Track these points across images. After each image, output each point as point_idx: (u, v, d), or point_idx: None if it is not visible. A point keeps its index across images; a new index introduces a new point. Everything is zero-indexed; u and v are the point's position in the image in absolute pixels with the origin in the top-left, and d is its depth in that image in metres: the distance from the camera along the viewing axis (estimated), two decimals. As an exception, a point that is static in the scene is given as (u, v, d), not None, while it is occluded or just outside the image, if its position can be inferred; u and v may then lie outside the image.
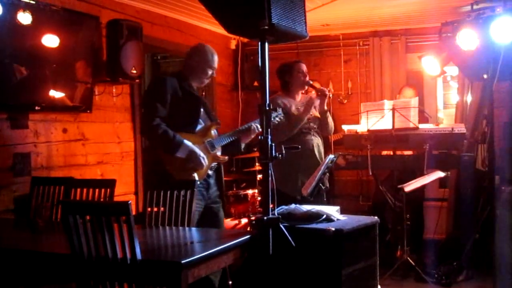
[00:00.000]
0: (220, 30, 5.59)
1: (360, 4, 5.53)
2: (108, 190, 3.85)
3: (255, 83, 6.79)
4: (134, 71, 4.70)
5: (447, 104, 6.66)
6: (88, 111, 4.61)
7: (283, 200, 3.52)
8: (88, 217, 2.53)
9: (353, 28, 6.68)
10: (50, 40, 4.17)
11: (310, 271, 3.09)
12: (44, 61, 4.18)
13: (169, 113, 3.68)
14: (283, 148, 2.67)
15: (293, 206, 3.44)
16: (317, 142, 4.55)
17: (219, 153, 3.88)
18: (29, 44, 4.05)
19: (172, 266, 2.46)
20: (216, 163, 3.87)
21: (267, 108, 2.58)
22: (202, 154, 3.68)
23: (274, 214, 2.58)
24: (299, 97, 4.62)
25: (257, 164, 5.86)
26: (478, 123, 5.65)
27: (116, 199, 3.88)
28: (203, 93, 4.11)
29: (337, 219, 3.33)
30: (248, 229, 5.12)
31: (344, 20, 6.26)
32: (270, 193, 2.57)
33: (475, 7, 5.07)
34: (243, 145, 4.01)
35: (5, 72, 3.89)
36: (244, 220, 5.44)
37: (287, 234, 2.60)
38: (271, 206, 2.60)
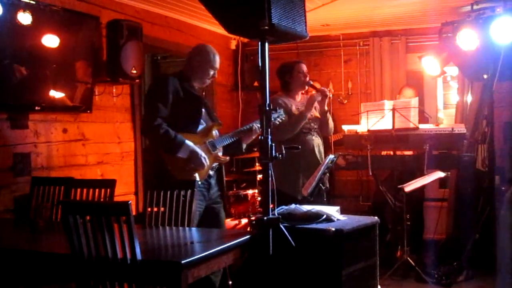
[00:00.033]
0: (220, 30, 5.60)
1: (360, 4, 5.53)
2: (108, 190, 3.85)
3: (255, 83, 6.79)
4: (134, 71, 4.70)
5: (447, 104, 6.66)
6: (88, 111, 4.61)
7: (284, 200, 3.52)
8: (88, 217, 2.53)
9: (353, 28, 6.68)
10: (50, 40, 4.17)
11: (310, 271, 3.09)
12: (44, 61, 4.18)
13: (170, 113, 3.68)
14: (283, 148, 2.67)
15: (293, 206, 3.44)
16: (317, 142, 4.55)
17: (220, 154, 3.88)
18: (29, 44, 4.04)
19: (172, 266, 2.46)
20: (217, 164, 3.87)
21: (267, 108, 2.58)
22: (203, 154, 3.68)
23: (274, 214, 2.59)
24: (299, 97, 4.62)
25: (257, 164, 5.86)
26: (478, 123, 5.65)
27: (116, 199, 3.88)
28: (203, 93, 4.11)
29: (337, 219, 3.33)
30: (248, 229, 5.12)
31: (344, 20, 6.26)
32: (270, 193, 2.57)
33: (475, 7, 5.07)
34: (244, 146, 4.00)
35: (5, 72, 3.89)
36: (244, 220, 5.44)
37: (287, 234, 2.60)
38: (271, 206, 2.60)
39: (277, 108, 3.98)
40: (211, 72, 3.90)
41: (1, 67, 3.85)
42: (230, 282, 3.89)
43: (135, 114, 5.24)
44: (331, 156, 4.06)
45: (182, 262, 2.44)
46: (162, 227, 3.47)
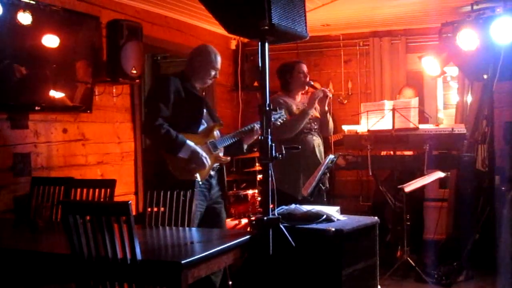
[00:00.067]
0: (220, 30, 5.59)
1: (360, 4, 5.53)
2: (108, 190, 3.85)
3: (255, 83, 6.79)
4: (134, 71, 4.70)
5: (447, 104, 6.66)
6: (88, 111, 4.61)
7: (284, 200, 3.52)
8: (88, 217, 2.53)
9: (353, 28, 6.68)
10: (50, 40, 4.17)
11: (310, 271, 3.09)
12: (44, 61, 4.18)
13: (172, 114, 3.68)
14: (283, 148, 2.67)
15: (293, 206, 3.44)
16: (317, 142, 4.55)
17: (221, 154, 3.87)
18: (29, 44, 4.04)
19: (172, 266, 2.46)
20: (218, 164, 3.87)
21: (267, 108, 2.58)
22: (204, 154, 3.68)
23: (274, 214, 2.58)
24: (299, 97, 4.62)
25: (257, 164, 5.86)
26: (478, 124, 5.65)
27: (116, 199, 3.88)
28: (203, 93, 4.12)
29: (337, 219, 3.33)
30: (248, 229, 5.12)
31: (344, 20, 6.26)
32: (270, 193, 2.57)
33: (475, 7, 5.07)
34: (245, 146, 4.00)
35: (5, 72, 3.89)
36: (244, 220, 5.44)
37: (287, 234, 2.60)
38: (271, 206, 2.60)
39: (277, 108, 3.98)
40: (213, 73, 3.90)
41: (1, 67, 3.85)
42: (230, 282, 3.88)
43: (135, 114, 5.24)
44: (331, 156, 4.06)
45: (182, 262, 2.44)
46: (162, 227, 3.47)
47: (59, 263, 2.71)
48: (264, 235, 2.51)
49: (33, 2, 3.98)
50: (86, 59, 4.56)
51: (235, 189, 6.05)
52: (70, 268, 2.58)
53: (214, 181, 3.87)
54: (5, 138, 3.99)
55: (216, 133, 3.90)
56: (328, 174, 4.27)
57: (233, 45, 6.94)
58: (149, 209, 3.58)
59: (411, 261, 4.81)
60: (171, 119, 3.67)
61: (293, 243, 2.60)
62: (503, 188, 4.89)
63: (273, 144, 2.57)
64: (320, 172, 3.94)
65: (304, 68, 4.54)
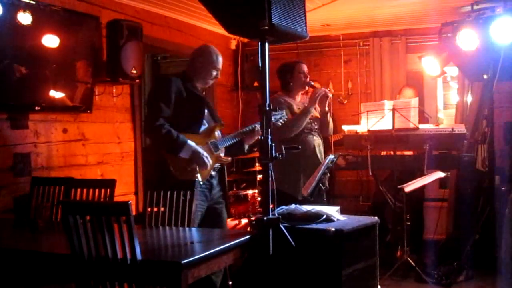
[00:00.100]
0: (220, 30, 5.59)
1: (360, 4, 5.53)
2: (108, 190, 3.85)
3: (255, 83, 6.79)
4: (134, 71, 4.70)
5: (447, 104, 6.66)
6: (88, 111, 4.61)
7: (284, 200, 3.52)
8: (88, 217, 2.53)
9: (353, 28, 6.68)
10: (50, 40, 4.17)
11: (310, 271, 3.09)
12: (44, 61, 4.18)
13: (173, 114, 3.68)
14: (283, 148, 2.67)
15: (293, 206, 3.44)
16: (318, 142, 4.55)
17: (222, 154, 3.88)
18: (29, 44, 4.04)
19: (172, 266, 2.46)
20: (219, 164, 3.87)
21: (267, 108, 2.58)
22: (205, 153, 3.68)
23: (274, 215, 2.58)
24: (299, 97, 4.62)
25: (257, 164, 5.86)
26: (478, 124, 5.65)
27: (116, 199, 3.88)
28: (203, 93, 4.13)
29: (337, 220, 3.33)
30: (248, 229, 5.12)
31: (344, 20, 6.26)
32: (270, 193, 2.57)
33: (475, 7, 5.07)
34: (246, 147, 4.01)
35: (5, 72, 3.89)
36: (244, 221, 5.44)
37: (287, 234, 2.60)
38: (271, 206, 2.60)
39: (278, 108, 3.98)
40: (214, 73, 3.90)
41: (1, 67, 3.85)
42: (230, 282, 3.88)
43: (135, 114, 5.24)
44: (331, 156, 4.07)
45: (182, 262, 2.44)
46: (162, 227, 3.47)
47: (59, 263, 2.71)
48: (264, 235, 2.51)
49: (33, 2, 3.98)
50: (86, 59, 4.56)
51: (235, 189, 6.05)
52: (70, 268, 2.58)
53: (215, 181, 3.87)
54: (5, 138, 3.99)
55: (217, 133, 3.90)
56: (328, 174, 4.27)
57: (233, 45, 6.94)
58: (149, 209, 3.58)
59: (411, 261, 4.81)
60: (172, 119, 3.67)
61: (293, 243, 2.60)
62: (503, 188, 4.89)
63: (273, 144, 2.57)
64: (320, 172, 3.95)
65: (305, 68, 4.54)
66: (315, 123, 4.55)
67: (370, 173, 5.13)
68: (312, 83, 4.57)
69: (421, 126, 5.05)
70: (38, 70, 4.14)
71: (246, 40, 6.69)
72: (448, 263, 4.94)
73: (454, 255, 5.03)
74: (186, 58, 6.19)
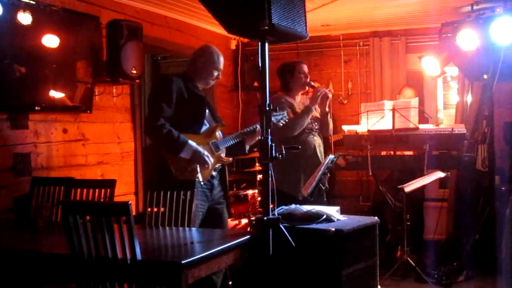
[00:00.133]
0: (220, 30, 5.60)
1: (360, 5, 5.53)
2: (108, 190, 3.85)
3: (255, 83, 6.79)
4: (134, 72, 4.70)
5: (447, 104, 6.66)
6: (88, 111, 4.61)
7: (285, 200, 3.52)
8: (88, 217, 2.53)
9: (353, 28, 6.68)
10: (50, 40, 4.17)
11: (310, 271, 3.09)
12: (44, 61, 4.18)
13: (174, 114, 3.68)
14: (283, 148, 2.67)
15: (293, 206, 3.44)
16: (318, 142, 4.56)
17: (223, 155, 3.88)
18: (29, 44, 4.04)
19: (172, 266, 2.46)
20: (220, 164, 3.87)
21: (267, 108, 2.58)
22: (206, 152, 3.68)
23: (274, 215, 2.58)
24: (299, 97, 4.62)
25: (257, 164, 5.86)
26: (478, 124, 5.66)
27: (116, 199, 3.88)
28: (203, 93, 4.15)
29: (337, 220, 3.33)
30: (248, 229, 5.12)
31: (344, 20, 6.26)
32: (270, 193, 2.57)
33: (475, 7, 5.07)
34: (247, 147, 4.01)
35: (5, 72, 3.89)
36: (244, 221, 5.44)
37: (287, 234, 2.60)
38: (271, 206, 2.60)
39: (278, 109, 3.99)
40: (215, 73, 3.91)
41: (1, 67, 3.85)
42: (230, 282, 3.89)
43: (135, 114, 5.23)
44: (331, 156, 4.07)
45: (182, 262, 2.44)
46: (162, 227, 3.47)
47: (59, 263, 2.71)
48: (264, 235, 2.51)
49: (33, 2, 3.98)
50: (86, 59, 4.56)
51: (235, 189, 6.05)
52: (70, 268, 2.58)
53: (216, 182, 3.87)
54: (5, 138, 3.99)
55: (218, 133, 3.90)
56: (328, 175, 4.27)
57: (233, 45, 6.94)
58: (149, 209, 3.58)
59: (411, 261, 4.81)
60: (173, 119, 3.67)
61: (293, 243, 2.60)
62: (503, 188, 4.89)
63: (273, 144, 2.57)
64: (320, 172, 3.95)
65: (305, 68, 4.55)
66: (316, 123, 4.55)
67: (370, 173, 5.13)
68: (312, 84, 4.57)
69: (421, 126, 5.05)
70: (38, 70, 4.14)
71: (246, 40, 6.69)
72: (448, 263, 4.94)
73: (454, 255, 5.03)
74: (186, 58, 6.20)
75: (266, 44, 2.60)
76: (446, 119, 6.54)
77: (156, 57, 7.60)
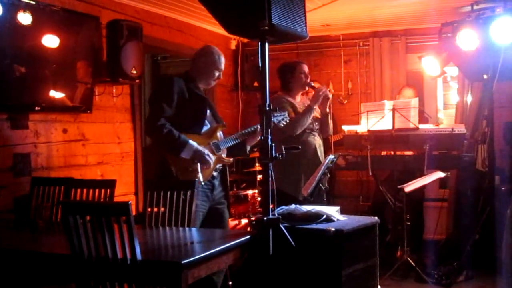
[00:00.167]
0: (220, 30, 5.59)
1: (360, 5, 5.53)
2: (108, 190, 3.85)
3: (255, 84, 6.79)
4: (134, 72, 4.70)
5: (447, 104, 6.66)
6: (88, 112, 4.61)
7: (285, 200, 3.53)
8: (88, 218, 2.53)
9: (353, 28, 6.68)
10: (50, 41, 4.17)
11: (310, 271, 3.09)
12: (44, 61, 4.18)
13: (175, 114, 3.68)
14: (283, 148, 2.67)
15: (293, 206, 3.44)
16: (318, 142, 4.57)
17: (224, 155, 3.88)
18: (29, 44, 4.04)
19: (172, 266, 2.46)
20: (221, 165, 3.87)
21: (267, 108, 2.58)
22: (207, 151, 3.68)
23: (274, 215, 2.58)
24: (299, 97, 4.63)
25: (257, 164, 5.86)
26: (478, 124, 5.66)
27: (116, 199, 3.88)
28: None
29: (337, 220, 3.33)
30: (248, 229, 5.12)
31: (344, 20, 6.26)
32: (270, 194, 2.57)
33: (475, 7, 5.07)
34: (248, 148, 4.00)
35: (5, 72, 3.89)
36: (244, 221, 5.44)
37: (287, 235, 2.60)
38: (271, 206, 2.60)
39: (278, 109, 3.99)
40: (216, 74, 3.91)
41: (1, 67, 3.85)
42: (230, 283, 3.89)
43: (135, 114, 5.23)
44: (331, 157, 4.07)
45: (182, 262, 2.44)
46: (162, 227, 3.47)
47: (59, 264, 2.71)
48: (264, 235, 2.51)
49: (33, 2, 3.98)
50: (86, 59, 4.56)
51: (235, 189, 6.05)
52: (70, 269, 2.58)
53: (216, 182, 3.87)
54: (5, 138, 3.99)
55: (219, 134, 3.90)
56: (328, 175, 4.27)
57: (233, 45, 6.94)
58: (149, 209, 3.58)
59: (411, 261, 4.81)
60: (174, 119, 3.67)
61: (293, 243, 2.60)
62: (503, 188, 4.89)
63: (273, 144, 2.57)
64: (320, 172, 3.95)
65: (306, 68, 4.55)
66: (316, 123, 4.56)
67: (370, 173, 5.13)
68: (313, 84, 4.58)
69: (421, 126, 5.05)
70: (38, 70, 4.14)
71: (246, 40, 6.69)
72: (448, 263, 4.94)
73: (454, 255, 5.03)
74: (186, 58, 6.21)
75: (266, 44, 2.60)
76: (446, 119, 6.54)
77: (156, 57, 7.60)
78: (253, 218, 5.14)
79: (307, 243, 3.06)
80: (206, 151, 3.67)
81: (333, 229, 3.09)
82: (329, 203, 4.58)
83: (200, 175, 3.66)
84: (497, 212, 4.86)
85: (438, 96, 6.62)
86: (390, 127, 4.96)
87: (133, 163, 5.23)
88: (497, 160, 5.23)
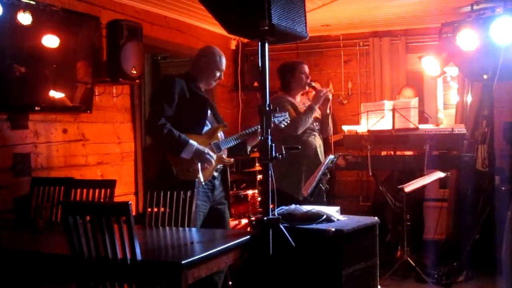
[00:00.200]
0: (220, 30, 5.59)
1: (360, 5, 5.53)
2: (108, 190, 3.84)
3: (255, 84, 6.79)
4: (134, 72, 4.70)
5: (447, 104, 6.66)
6: (88, 112, 4.61)
7: (285, 200, 3.53)
8: (88, 218, 2.53)
9: (353, 28, 6.68)
10: (50, 41, 4.17)
11: (310, 271, 3.09)
12: (44, 61, 4.18)
13: (176, 114, 3.68)
14: (283, 148, 2.67)
15: (293, 206, 3.44)
16: (319, 143, 4.57)
17: (225, 155, 3.87)
18: (29, 44, 4.04)
19: (172, 266, 2.46)
20: (221, 165, 3.87)
21: (267, 108, 2.58)
22: (207, 150, 3.67)
23: (274, 215, 2.58)
24: (299, 98, 4.63)
25: (257, 164, 5.86)
26: (478, 124, 5.66)
27: (116, 199, 3.88)
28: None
29: (337, 220, 3.33)
30: (248, 229, 5.12)
31: (344, 20, 6.26)
32: (270, 194, 2.57)
33: (475, 7, 5.07)
34: (249, 148, 4.00)
35: (6, 72, 3.89)
36: (244, 221, 5.44)
37: (287, 235, 2.60)
38: (271, 206, 2.60)
39: (277, 109, 3.98)
40: (217, 74, 3.91)
41: (1, 67, 3.85)
42: (230, 283, 3.89)
43: (135, 114, 5.23)
44: (331, 157, 4.07)
45: (182, 262, 2.44)
46: (162, 227, 3.47)
47: (59, 264, 2.71)
48: (264, 235, 2.51)
49: (33, 2, 3.98)
50: (86, 59, 4.56)
51: (235, 189, 6.05)
52: (70, 269, 2.58)
53: (217, 182, 3.86)
54: (5, 138, 3.99)
55: (220, 134, 3.90)
56: (328, 175, 4.27)
57: (233, 45, 6.94)
58: (149, 209, 3.58)
59: (411, 261, 4.81)
60: (175, 119, 3.66)
61: (293, 243, 2.60)
62: (503, 188, 4.89)
63: (273, 145, 2.57)
64: (320, 172, 3.95)
65: (306, 69, 4.56)
66: (316, 123, 4.56)
67: (370, 173, 5.13)
68: (313, 84, 4.58)
69: (421, 126, 5.06)
70: (38, 70, 4.14)
71: (246, 40, 6.69)
72: (448, 263, 4.94)
73: (454, 255, 5.03)
74: (186, 58, 6.22)
75: (266, 44, 2.60)
76: (446, 119, 6.54)
77: (156, 57, 7.61)
78: (253, 218, 5.15)
79: (307, 243, 3.06)
80: (207, 150, 3.67)
81: (333, 229, 3.09)
82: (329, 203, 4.58)
83: (200, 176, 3.66)
84: (497, 212, 4.86)
85: (438, 96, 6.62)
86: (390, 127, 4.96)
87: (133, 163, 5.23)
88: (497, 160, 5.23)
